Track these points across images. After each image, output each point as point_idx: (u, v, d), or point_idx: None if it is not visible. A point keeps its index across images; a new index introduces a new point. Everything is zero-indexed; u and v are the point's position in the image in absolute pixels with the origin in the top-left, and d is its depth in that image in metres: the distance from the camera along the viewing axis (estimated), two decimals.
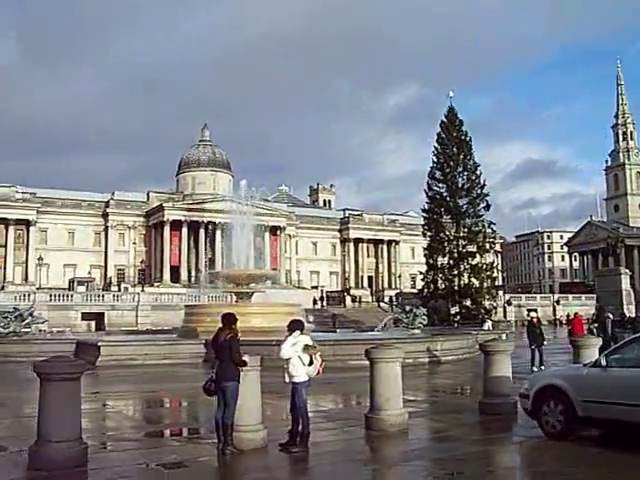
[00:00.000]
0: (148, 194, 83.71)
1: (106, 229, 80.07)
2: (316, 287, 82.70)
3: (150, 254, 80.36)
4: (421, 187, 58.15)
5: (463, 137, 55.75)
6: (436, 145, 56.42)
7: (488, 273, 54.44)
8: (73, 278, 68.66)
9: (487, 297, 53.63)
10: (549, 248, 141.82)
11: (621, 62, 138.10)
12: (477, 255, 54.63)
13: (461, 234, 54.78)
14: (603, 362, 8.89)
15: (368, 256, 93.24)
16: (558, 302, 76.85)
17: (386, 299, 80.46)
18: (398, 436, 9.53)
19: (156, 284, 73.21)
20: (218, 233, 75.67)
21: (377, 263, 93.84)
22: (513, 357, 12.28)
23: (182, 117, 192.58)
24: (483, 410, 11.25)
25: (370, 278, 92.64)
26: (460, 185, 55.49)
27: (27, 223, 73.63)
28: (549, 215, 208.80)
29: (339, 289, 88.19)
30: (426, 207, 57.41)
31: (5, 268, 71.78)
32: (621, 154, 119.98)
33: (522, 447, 9.34)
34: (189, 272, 77.40)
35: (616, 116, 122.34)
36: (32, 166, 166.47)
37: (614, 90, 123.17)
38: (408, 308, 34.07)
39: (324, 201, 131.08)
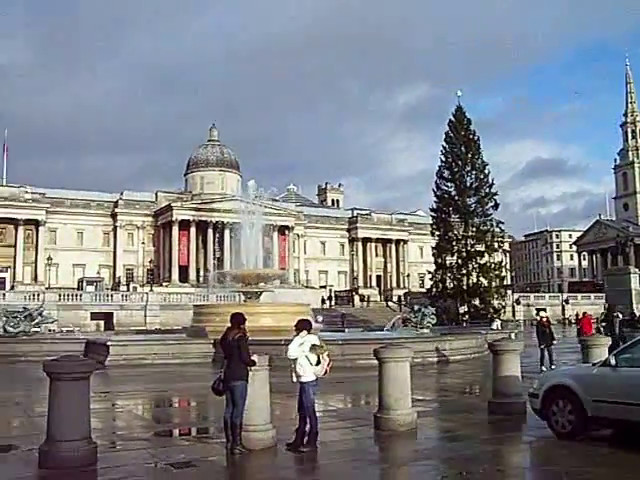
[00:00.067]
0: (157, 194, 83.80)
1: (115, 229, 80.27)
2: (324, 287, 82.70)
3: (159, 254, 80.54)
4: (430, 186, 58.06)
5: (471, 136, 55.58)
6: (444, 144, 56.28)
7: (497, 272, 54.25)
8: (82, 278, 68.86)
9: (496, 296, 53.46)
10: (558, 247, 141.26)
11: (630, 60, 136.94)
12: (486, 254, 54.46)
13: (469, 233, 54.63)
14: (613, 361, 8.84)
15: (376, 255, 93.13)
16: (567, 301, 76.59)
17: (395, 298, 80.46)
18: (407, 436, 9.52)
19: (165, 284, 73.37)
20: (226, 233, 75.77)
21: (385, 262, 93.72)
22: (522, 357, 12.26)
23: (191, 117, 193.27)
24: (492, 410, 11.23)
25: (379, 277, 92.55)
26: (468, 184, 55.32)
27: (36, 223, 73.86)
28: (558, 214, 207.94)
29: (347, 288, 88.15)
30: (434, 206, 57.25)
31: (15, 268, 72.04)
32: (630, 152, 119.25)
33: (532, 447, 9.30)
34: (197, 272, 77.48)
35: (625, 114, 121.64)
36: (41, 166, 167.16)
37: (623, 88, 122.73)
38: (417, 307, 33.98)
39: (332, 201, 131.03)
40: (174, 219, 77.08)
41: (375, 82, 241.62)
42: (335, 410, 12.58)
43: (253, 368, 8.25)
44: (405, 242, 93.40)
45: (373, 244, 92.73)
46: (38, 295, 52.57)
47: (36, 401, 12.98)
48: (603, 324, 25.58)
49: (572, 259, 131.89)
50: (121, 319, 53.00)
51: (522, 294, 78.40)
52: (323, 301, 69.20)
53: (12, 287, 66.15)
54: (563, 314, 72.08)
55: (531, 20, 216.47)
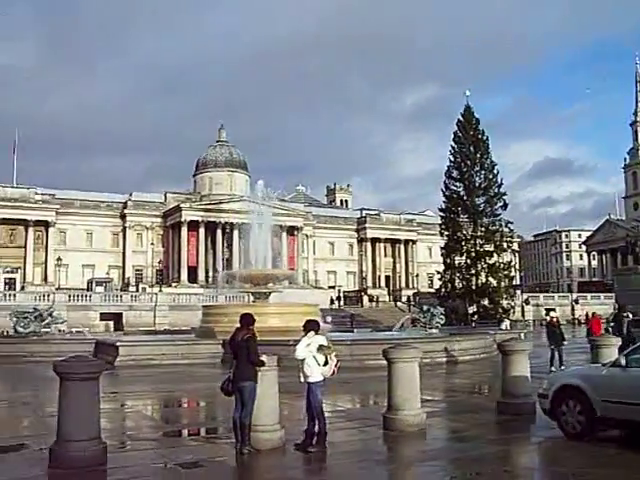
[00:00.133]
0: (165, 195, 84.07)
1: (124, 230, 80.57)
2: (333, 287, 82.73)
3: (168, 254, 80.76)
4: (438, 186, 57.89)
5: (480, 136, 55.41)
6: (453, 144, 56.14)
7: (506, 272, 54.07)
8: (91, 278, 69.17)
9: (505, 296, 53.28)
10: (567, 247, 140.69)
11: None
12: (494, 254, 54.26)
13: (478, 233, 54.46)
14: (623, 362, 8.81)
15: (385, 256, 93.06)
16: (576, 301, 76.30)
17: (403, 299, 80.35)
18: (416, 436, 9.52)
19: (174, 284, 73.54)
20: (235, 233, 75.94)
21: (394, 263, 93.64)
22: (531, 357, 12.22)
23: (199, 118, 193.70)
24: (501, 410, 11.21)
25: (387, 278, 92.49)
26: (477, 184, 55.14)
27: (46, 224, 74.21)
28: (567, 214, 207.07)
29: (356, 289, 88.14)
30: (443, 206, 57.09)
31: (25, 269, 72.39)
32: None
33: (541, 447, 9.29)
34: (206, 272, 77.62)
35: (635, 113, 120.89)
36: (48, 168, 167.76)
37: (633, 87, 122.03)
38: (425, 308, 33.90)
39: (341, 201, 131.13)
40: (183, 220, 77.25)
41: (382, 83, 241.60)
42: (344, 410, 12.57)
43: (262, 368, 8.26)
44: (414, 242, 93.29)
45: (382, 244, 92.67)
46: (48, 296, 52.79)
47: (46, 401, 13.04)
48: (612, 324, 25.44)
49: (581, 259, 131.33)
50: (130, 320, 53.16)
51: (531, 294, 78.18)
52: (332, 301, 69.20)
53: (22, 288, 66.42)
54: (573, 314, 71.76)
55: (540, 20, 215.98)
